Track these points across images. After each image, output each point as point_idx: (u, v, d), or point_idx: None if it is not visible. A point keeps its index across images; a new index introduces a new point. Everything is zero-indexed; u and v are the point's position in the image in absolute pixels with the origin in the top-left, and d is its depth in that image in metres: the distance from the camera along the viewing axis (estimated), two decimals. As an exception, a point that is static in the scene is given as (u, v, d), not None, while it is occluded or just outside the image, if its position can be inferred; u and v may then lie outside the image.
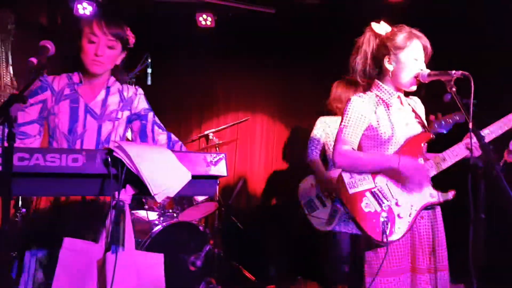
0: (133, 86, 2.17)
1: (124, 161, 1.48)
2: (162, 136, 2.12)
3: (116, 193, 1.49)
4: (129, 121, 2.12)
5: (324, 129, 3.67)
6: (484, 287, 2.06)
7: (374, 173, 2.12)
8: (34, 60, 1.74)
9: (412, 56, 2.16)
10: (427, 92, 2.40)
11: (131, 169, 1.48)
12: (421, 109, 2.34)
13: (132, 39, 2.09)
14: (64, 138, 1.97)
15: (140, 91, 2.17)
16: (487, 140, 2.11)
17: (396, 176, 2.10)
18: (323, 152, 3.71)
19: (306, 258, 4.50)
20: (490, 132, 2.15)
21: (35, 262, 1.83)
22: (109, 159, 1.47)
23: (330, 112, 3.69)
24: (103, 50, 1.97)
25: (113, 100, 2.07)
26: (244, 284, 4.04)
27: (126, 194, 1.52)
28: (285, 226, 4.74)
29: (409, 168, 2.05)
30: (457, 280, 3.38)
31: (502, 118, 2.17)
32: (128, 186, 1.52)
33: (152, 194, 1.48)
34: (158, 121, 2.16)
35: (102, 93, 2.07)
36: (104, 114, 2.03)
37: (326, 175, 3.50)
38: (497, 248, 3.04)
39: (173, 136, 2.16)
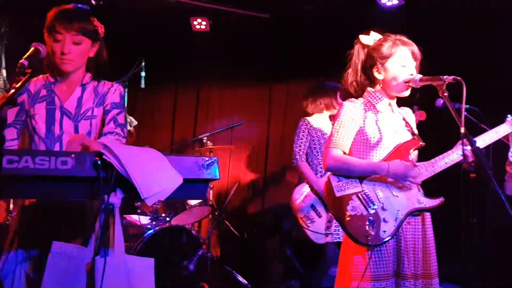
0: (111, 82, 2.08)
1: (114, 164, 1.46)
2: (112, 133, 1.98)
3: (106, 196, 1.47)
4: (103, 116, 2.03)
5: (308, 125, 3.58)
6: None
7: (362, 177, 2.13)
8: (25, 62, 1.73)
9: (399, 63, 2.18)
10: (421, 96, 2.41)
11: (121, 172, 1.47)
12: (412, 120, 2.36)
13: (101, 29, 2.01)
14: (42, 141, 1.93)
15: (117, 86, 2.07)
16: (482, 146, 2.13)
17: (385, 181, 2.11)
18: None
19: (300, 263, 4.49)
20: (483, 141, 2.17)
21: (22, 265, 1.82)
22: (99, 162, 1.45)
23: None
24: (69, 47, 1.90)
25: (88, 98, 2.01)
26: (237, 289, 4.02)
27: (116, 198, 1.50)
28: (279, 230, 4.73)
29: (398, 175, 2.08)
30: (449, 285, 3.39)
31: (495, 128, 2.20)
32: (118, 189, 1.51)
33: (142, 198, 1.47)
34: (120, 119, 2.02)
35: (78, 91, 2.00)
36: (79, 114, 1.97)
37: (316, 184, 3.36)
38: (490, 252, 3.04)
39: (112, 137, 1.99)
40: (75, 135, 1.92)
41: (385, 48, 2.20)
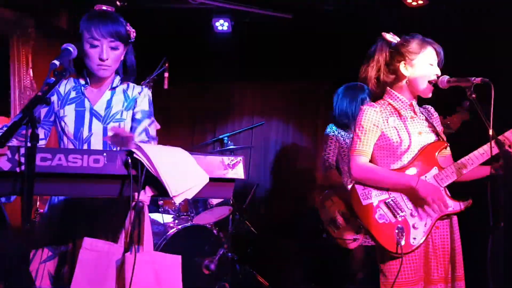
0: (140, 86, 2.11)
1: (144, 163, 1.49)
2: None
3: (136, 194, 1.50)
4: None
5: (334, 134, 3.49)
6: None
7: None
8: (57, 62, 1.77)
9: (427, 61, 2.17)
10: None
11: (151, 171, 1.49)
12: (435, 118, 2.33)
13: (133, 34, 2.03)
14: (70, 142, 1.96)
15: (146, 91, 2.10)
16: None
17: (412, 196, 2.07)
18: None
19: (321, 265, 4.48)
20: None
21: (46, 264, 1.84)
22: (129, 161, 1.49)
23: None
24: (108, 53, 1.92)
25: (118, 101, 2.04)
26: (258, 289, 4.03)
27: (146, 196, 1.53)
28: (299, 232, 4.73)
29: (426, 189, 2.03)
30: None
31: None
32: (147, 187, 1.54)
33: (171, 196, 1.49)
34: (151, 130, 2.06)
35: (107, 94, 2.03)
36: (109, 116, 2.01)
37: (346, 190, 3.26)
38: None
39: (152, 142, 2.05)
40: (117, 128, 1.95)
41: (414, 45, 2.18)
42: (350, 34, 4.49)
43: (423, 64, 2.17)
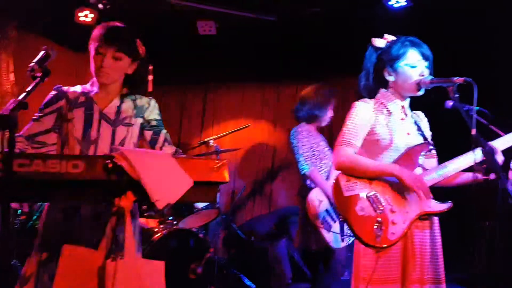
0: (148, 98, 2.20)
1: (125, 168, 1.46)
2: (170, 151, 2.12)
3: (117, 199, 1.48)
4: (142, 128, 2.13)
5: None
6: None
7: (371, 178, 2.11)
8: (35, 66, 1.74)
9: (409, 64, 2.18)
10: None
11: (132, 176, 1.47)
12: (425, 124, 2.35)
13: (142, 50, 2.12)
14: (77, 143, 1.98)
15: (154, 102, 2.19)
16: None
17: (395, 187, 2.09)
18: None
19: (308, 266, 4.47)
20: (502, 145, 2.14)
21: (38, 269, 1.82)
22: (110, 166, 1.46)
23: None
24: (108, 62, 2.00)
25: (127, 107, 2.10)
26: (245, 292, 4.02)
27: (127, 201, 1.51)
28: (287, 233, 4.72)
29: (410, 177, 2.05)
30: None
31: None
32: (129, 192, 1.51)
33: (153, 200, 1.47)
34: (169, 138, 2.18)
35: (116, 100, 2.09)
36: (118, 120, 2.06)
37: (328, 188, 3.27)
38: (499, 256, 3.02)
39: (179, 151, 2.17)
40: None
41: (394, 50, 2.20)
42: (336, 36, 4.51)
43: (405, 68, 2.18)
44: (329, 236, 3.19)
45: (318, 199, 3.26)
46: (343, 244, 3.23)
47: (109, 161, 1.46)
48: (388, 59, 2.20)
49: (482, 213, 1.91)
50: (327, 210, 3.25)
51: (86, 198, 1.51)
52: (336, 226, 3.22)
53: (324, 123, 3.54)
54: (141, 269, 1.55)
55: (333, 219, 3.25)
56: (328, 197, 3.23)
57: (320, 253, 3.33)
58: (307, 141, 3.40)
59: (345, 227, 3.14)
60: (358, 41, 2.34)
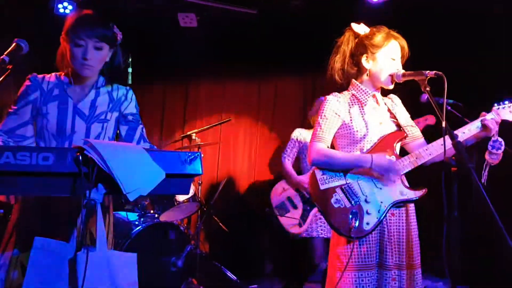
0: (125, 87, 2.14)
1: (95, 160, 1.46)
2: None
3: (87, 192, 1.48)
4: (117, 122, 2.10)
5: (297, 137, 3.92)
6: (461, 285, 2.09)
7: (346, 170, 2.15)
8: (6, 58, 1.73)
9: (389, 55, 2.21)
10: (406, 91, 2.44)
11: (102, 167, 1.47)
12: (400, 109, 2.36)
13: (119, 36, 2.06)
14: (53, 139, 1.95)
15: (131, 93, 2.13)
16: (461, 139, 2.14)
17: (369, 174, 2.14)
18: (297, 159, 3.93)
19: (289, 258, 4.51)
20: (466, 133, 2.18)
21: (9, 262, 1.81)
22: (80, 158, 1.45)
23: (309, 126, 3.90)
24: (91, 53, 1.93)
25: (102, 101, 2.05)
26: (226, 284, 4.03)
27: (98, 193, 1.51)
28: (268, 226, 4.75)
29: (381, 167, 2.10)
30: (434, 278, 3.43)
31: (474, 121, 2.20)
32: (99, 185, 1.51)
33: (124, 193, 1.47)
34: (145, 134, 2.14)
35: (92, 94, 2.04)
36: (93, 116, 2.01)
37: (295, 178, 3.70)
38: (471, 246, 3.08)
39: (154, 147, 2.14)
40: None
41: (378, 38, 2.22)
42: (318, 29, 4.52)
43: (385, 58, 2.21)
44: (285, 220, 3.41)
45: (282, 187, 3.58)
46: (300, 230, 3.43)
47: (79, 153, 1.46)
48: (370, 45, 2.22)
49: (452, 204, 1.94)
50: (288, 197, 3.50)
51: (56, 190, 1.50)
52: (296, 213, 3.44)
53: None
54: (113, 261, 1.56)
55: (293, 206, 3.47)
56: (294, 187, 3.51)
57: (301, 245, 3.42)
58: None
59: (310, 214, 3.35)
60: (340, 35, 2.35)
